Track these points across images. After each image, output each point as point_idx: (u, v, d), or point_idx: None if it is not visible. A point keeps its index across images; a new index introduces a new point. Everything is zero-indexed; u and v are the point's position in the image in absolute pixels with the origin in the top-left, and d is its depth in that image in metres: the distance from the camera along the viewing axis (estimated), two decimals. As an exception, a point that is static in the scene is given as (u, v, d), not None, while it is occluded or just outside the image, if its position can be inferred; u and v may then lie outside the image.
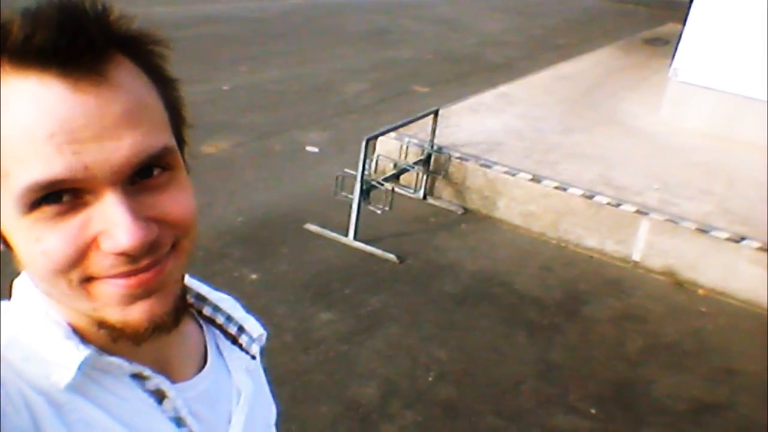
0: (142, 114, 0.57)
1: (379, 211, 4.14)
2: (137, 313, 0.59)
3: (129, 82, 0.57)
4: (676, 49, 6.08)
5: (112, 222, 0.54)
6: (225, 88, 6.79)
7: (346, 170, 4.16)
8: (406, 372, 3.20)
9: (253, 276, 3.70)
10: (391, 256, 4.00)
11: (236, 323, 0.81)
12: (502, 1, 13.95)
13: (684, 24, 6.01)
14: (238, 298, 0.87)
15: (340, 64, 8.17)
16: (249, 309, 0.87)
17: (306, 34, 9.54)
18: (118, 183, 0.55)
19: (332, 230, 4.16)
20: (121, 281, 0.57)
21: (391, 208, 4.14)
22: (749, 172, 5.04)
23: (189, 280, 0.78)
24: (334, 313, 3.50)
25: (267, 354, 0.89)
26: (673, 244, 4.24)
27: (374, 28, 10.40)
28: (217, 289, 0.83)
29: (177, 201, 0.60)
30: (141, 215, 0.55)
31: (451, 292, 3.84)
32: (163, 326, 0.61)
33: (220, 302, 0.81)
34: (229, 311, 0.81)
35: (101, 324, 0.60)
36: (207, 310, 0.80)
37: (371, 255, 4.04)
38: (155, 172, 0.58)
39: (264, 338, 0.85)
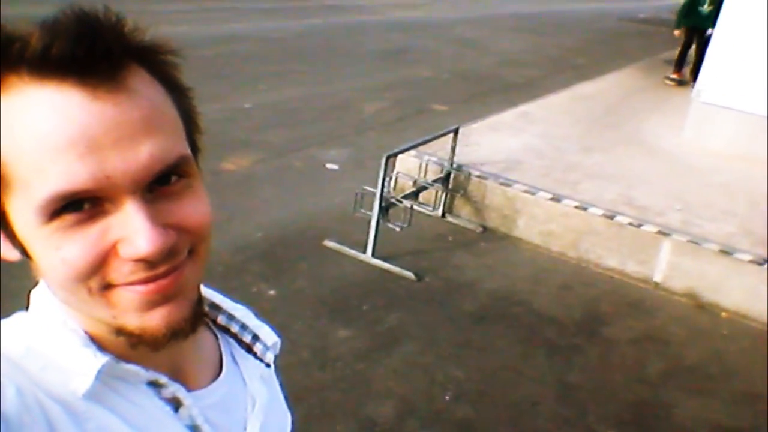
0: (159, 121, 0.57)
1: (397, 229, 4.13)
2: (156, 319, 0.60)
3: (145, 90, 0.57)
4: (698, 70, 6.05)
5: (132, 229, 0.55)
6: (246, 106, 6.86)
7: (365, 187, 4.17)
8: (422, 391, 3.18)
9: (271, 292, 3.70)
10: (409, 274, 3.99)
11: (251, 332, 0.82)
12: (520, 21, 14.00)
13: (705, 46, 5.98)
14: (255, 313, 0.87)
15: (359, 83, 8.23)
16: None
17: (325, 53, 9.64)
18: (137, 191, 0.55)
19: (351, 247, 4.16)
20: (140, 288, 0.58)
21: (409, 225, 4.14)
22: (772, 193, 4.98)
23: (203, 290, 0.78)
24: (351, 330, 3.49)
25: (283, 370, 0.89)
26: (696, 265, 4.18)
27: (393, 47, 10.47)
28: (233, 300, 0.84)
29: (193, 208, 0.60)
30: (159, 222, 0.56)
31: (469, 311, 3.81)
32: (180, 332, 0.61)
33: (234, 311, 0.82)
34: (244, 320, 0.82)
35: (120, 331, 0.61)
36: (221, 319, 0.81)
37: (389, 272, 4.03)
38: (172, 180, 0.59)
39: (278, 346, 0.85)
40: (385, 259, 4.08)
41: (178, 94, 0.63)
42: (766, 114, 5.54)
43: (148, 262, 0.56)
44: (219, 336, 0.80)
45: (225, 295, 0.83)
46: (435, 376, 3.27)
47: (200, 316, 0.66)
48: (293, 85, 7.81)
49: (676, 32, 9.01)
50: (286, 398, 0.90)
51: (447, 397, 3.15)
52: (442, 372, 3.31)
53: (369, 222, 4.08)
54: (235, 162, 5.37)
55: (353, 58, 9.55)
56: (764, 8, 5.53)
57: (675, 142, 5.96)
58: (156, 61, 0.60)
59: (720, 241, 4.19)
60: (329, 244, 4.21)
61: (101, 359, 0.61)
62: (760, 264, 3.99)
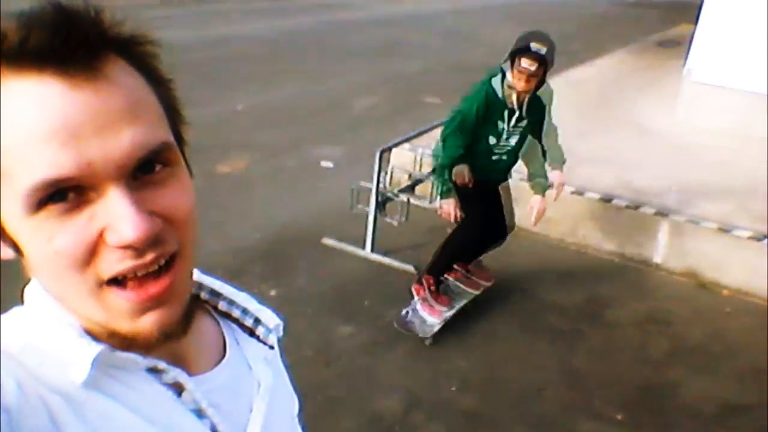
0: (140, 109, 0.58)
1: (395, 223, 4.13)
2: (147, 324, 0.60)
3: (124, 80, 0.58)
4: (689, 49, 6.05)
5: (116, 215, 0.55)
6: (238, 107, 6.85)
7: (361, 183, 4.17)
8: (428, 383, 3.18)
9: (272, 292, 3.70)
10: (409, 267, 3.98)
11: (252, 315, 0.82)
12: (510, 10, 13.98)
13: (696, 24, 5.97)
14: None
15: (351, 80, 8.22)
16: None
17: (315, 52, 9.62)
18: (120, 178, 0.56)
19: (349, 243, 4.16)
20: (131, 294, 0.58)
21: (407, 219, 4.14)
22: (766, 169, 4.97)
23: (201, 277, 0.79)
24: (354, 326, 3.49)
25: (288, 368, 0.89)
26: (695, 245, 4.19)
27: (382, 42, 10.46)
28: (234, 286, 0.84)
29: (178, 195, 0.61)
30: (144, 209, 0.56)
31: (471, 301, 3.81)
32: (172, 334, 0.62)
33: (235, 296, 0.82)
34: (244, 304, 0.82)
35: (113, 334, 0.61)
36: (222, 305, 0.81)
37: (389, 267, 4.03)
38: (156, 168, 0.59)
39: (281, 328, 0.84)
40: (384, 254, 4.09)
41: (159, 84, 0.63)
42: (758, 91, 5.54)
43: (134, 249, 0.56)
44: (221, 322, 0.80)
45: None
46: (440, 368, 3.28)
47: (192, 317, 0.66)
48: (284, 85, 7.80)
49: None
50: (291, 382, 0.91)
51: (453, 388, 3.16)
52: (447, 363, 3.32)
53: (366, 218, 4.08)
54: (230, 164, 5.37)
55: (343, 54, 9.54)
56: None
57: (669, 123, 5.96)
58: (135, 52, 0.61)
59: (718, 219, 4.19)
60: (328, 241, 4.21)
61: (96, 348, 0.61)
62: (759, 240, 4.00)
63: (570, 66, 8.14)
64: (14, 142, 0.54)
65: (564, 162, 3.57)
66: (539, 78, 3.15)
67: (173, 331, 0.62)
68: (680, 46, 8.62)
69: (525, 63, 3.08)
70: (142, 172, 0.58)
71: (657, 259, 4.29)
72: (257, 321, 0.82)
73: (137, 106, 0.58)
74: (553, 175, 3.52)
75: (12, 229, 0.57)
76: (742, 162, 5.17)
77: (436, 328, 3.42)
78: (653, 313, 3.87)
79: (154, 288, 0.59)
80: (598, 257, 4.40)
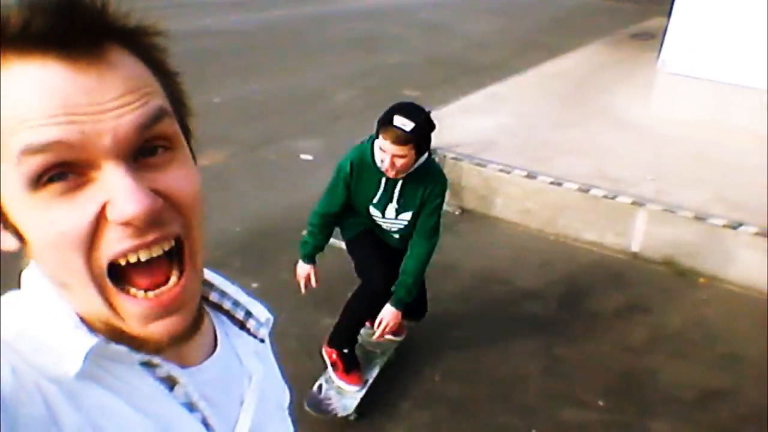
0: (143, 94, 0.58)
1: (376, 215, 4.12)
2: (158, 330, 0.61)
3: (128, 67, 0.58)
4: (662, 41, 6.12)
5: (116, 191, 0.55)
6: (216, 100, 6.79)
7: (341, 175, 4.15)
8: (413, 373, 3.19)
9: (254, 284, 3.69)
10: (391, 259, 3.98)
11: (243, 308, 0.82)
12: (487, 3, 14.02)
13: (669, 17, 6.04)
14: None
15: (329, 73, 8.19)
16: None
17: (293, 45, 9.57)
18: (119, 156, 0.56)
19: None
20: (144, 303, 0.59)
21: (388, 211, 4.13)
22: (742, 158, 5.06)
23: None
24: (336, 318, 3.48)
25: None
26: (672, 233, 4.25)
27: (360, 35, 10.43)
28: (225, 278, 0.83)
29: (180, 178, 0.61)
30: (144, 185, 0.56)
31: (453, 292, 3.83)
32: (181, 339, 0.63)
33: (226, 287, 0.82)
34: (236, 296, 0.82)
35: (121, 334, 0.62)
36: (214, 296, 0.81)
37: (371, 259, 4.02)
38: (158, 152, 0.59)
39: (271, 322, 0.85)
40: (366, 246, 4.08)
41: (165, 76, 0.63)
42: (731, 82, 5.63)
43: (135, 227, 0.56)
44: (211, 313, 0.80)
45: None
46: (424, 358, 3.30)
47: (200, 321, 0.67)
48: (263, 78, 7.75)
49: None
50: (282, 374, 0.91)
51: (437, 378, 3.18)
52: (431, 353, 3.33)
53: (348, 210, 4.07)
54: (208, 157, 5.32)
55: (321, 47, 9.50)
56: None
57: (644, 114, 6.03)
58: (140, 43, 0.61)
59: (694, 208, 4.25)
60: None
61: (91, 341, 0.61)
62: (735, 228, 4.07)
63: (545, 59, 8.21)
64: (11, 120, 0.54)
65: (406, 300, 2.76)
66: (409, 161, 2.54)
67: (183, 336, 0.63)
68: (654, 38, 8.73)
69: (386, 141, 2.47)
70: (142, 156, 0.58)
71: (635, 248, 4.35)
72: (248, 314, 0.82)
73: (140, 91, 0.58)
74: (385, 310, 2.75)
75: (15, 213, 0.57)
76: (716, 151, 5.25)
77: (359, 400, 2.91)
78: (632, 301, 3.93)
79: (166, 296, 0.60)
80: (577, 247, 4.45)
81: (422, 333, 3.44)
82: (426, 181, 2.68)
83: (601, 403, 3.10)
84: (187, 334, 0.63)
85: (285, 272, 3.85)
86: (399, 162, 2.51)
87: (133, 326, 0.61)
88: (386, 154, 2.50)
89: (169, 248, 0.60)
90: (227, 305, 0.81)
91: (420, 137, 2.50)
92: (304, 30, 10.49)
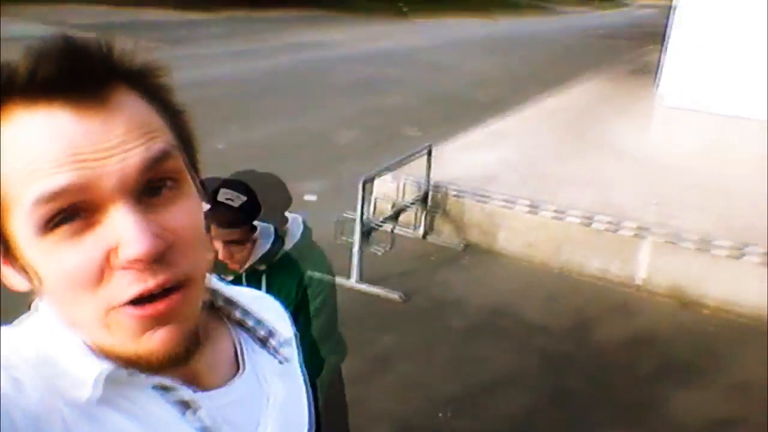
0: (148, 135, 0.58)
1: (380, 252, 4.16)
2: (152, 343, 0.60)
3: (133, 108, 0.59)
4: (658, 74, 6.21)
5: (122, 232, 0.56)
6: (219, 146, 6.87)
7: (344, 214, 4.20)
8: (419, 409, 3.17)
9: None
10: (396, 296, 4.00)
11: (265, 326, 0.80)
12: (487, 43, 14.25)
13: (663, 51, 6.15)
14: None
15: (331, 115, 8.31)
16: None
17: (295, 90, 9.72)
18: (125, 197, 0.57)
19: (335, 274, 4.16)
20: (136, 311, 0.58)
21: (392, 247, 4.17)
22: (743, 187, 5.09)
23: (217, 284, 0.78)
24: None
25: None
26: (676, 263, 4.25)
27: (361, 78, 10.60)
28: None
29: (183, 216, 0.61)
30: (150, 227, 0.57)
31: (459, 327, 3.83)
32: (179, 356, 0.62)
33: (252, 303, 0.80)
34: (259, 314, 0.80)
35: (119, 358, 0.62)
36: (236, 314, 0.79)
37: (376, 296, 4.04)
38: (163, 191, 0.60)
39: (294, 342, 0.84)
40: (370, 283, 4.10)
41: (172, 115, 0.64)
42: (728, 113, 5.69)
43: (142, 269, 0.57)
44: (234, 331, 0.79)
45: None
46: (431, 393, 3.28)
47: (197, 340, 0.65)
48: (265, 123, 7.86)
49: None
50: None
51: (446, 413, 3.15)
52: (438, 388, 3.31)
53: (351, 248, 4.10)
54: (213, 201, 5.37)
55: (323, 91, 9.65)
56: (718, 8, 5.71)
57: (644, 146, 6.08)
58: (146, 84, 0.62)
59: (697, 238, 4.26)
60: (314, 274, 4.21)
61: (100, 366, 0.61)
62: (738, 258, 4.07)
63: (546, 95, 8.32)
64: (21, 170, 0.55)
65: None
66: (246, 251, 1.94)
67: (176, 353, 0.61)
68: (651, 73, 8.85)
69: (212, 224, 1.85)
70: (148, 196, 0.58)
71: (639, 279, 4.35)
72: (270, 333, 0.80)
73: (146, 132, 0.58)
74: None
75: (25, 255, 0.58)
76: (717, 181, 5.28)
77: None
78: (639, 332, 3.91)
79: (161, 304, 0.59)
80: (582, 279, 4.45)
81: (428, 368, 3.43)
82: (297, 272, 2.05)
83: (611, 435, 3.07)
84: (180, 353, 0.62)
85: (291, 311, 3.87)
86: (229, 249, 1.90)
87: (127, 344, 0.60)
88: (218, 242, 1.88)
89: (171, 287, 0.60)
90: (250, 323, 0.79)
91: (254, 215, 1.91)
92: (307, 75, 10.67)
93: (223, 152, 6.73)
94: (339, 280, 4.12)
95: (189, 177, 0.64)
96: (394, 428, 3.03)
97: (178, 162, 0.62)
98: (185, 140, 0.65)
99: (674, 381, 3.48)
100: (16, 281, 0.61)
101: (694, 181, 5.27)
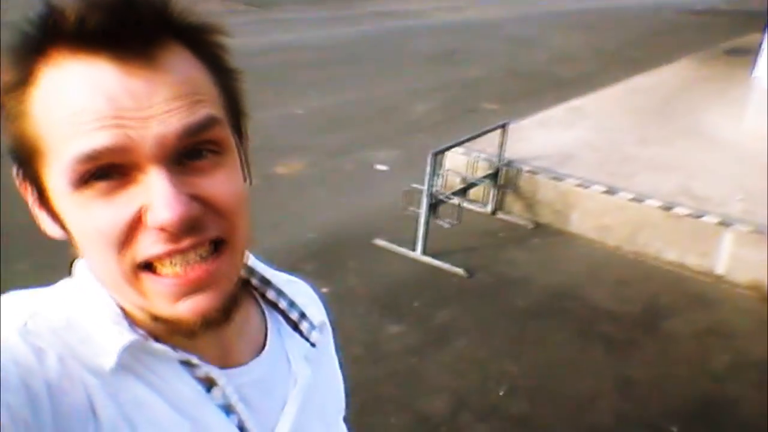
0: (193, 98, 0.57)
1: (447, 226, 4.12)
2: (185, 309, 0.59)
3: (181, 67, 0.58)
4: (756, 57, 5.84)
5: (155, 195, 0.55)
6: (298, 112, 6.96)
7: (413, 185, 4.17)
8: (476, 385, 3.15)
9: (324, 289, 3.73)
10: (460, 271, 3.96)
11: (298, 309, 0.80)
12: (574, 18, 13.79)
13: (764, 32, 5.76)
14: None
15: (409, 85, 8.24)
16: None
17: (375, 58, 9.69)
18: (163, 160, 0.56)
19: (400, 245, 4.17)
20: (169, 281, 0.58)
21: (459, 222, 4.11)
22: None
23: (255, 263, 0.78)
24: (403, 326, 3.49)
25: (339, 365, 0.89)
26: (760, 256, 4.02)
27: (442, 49, 10.45)
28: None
29: (223, 184, 0.59)
30: (183, 191, 0.56)
31: (522, 306, 3.76)
32: (213, 321, 0.61)
33: (286, 286, 0.80)
34: (293, 296, 0.80)
35: (155, 318, 0.62)
36: (271, 294, 0.79)
37: (439, 269, 4.01)
38: (204, 155, 0.58)
39: (326, 327, 0.83)
40: (435, 256, 4.07)
41: (222, 74, 0.62)
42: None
43: (170, 233, 0.56)
44: (267, 311, 0.79)
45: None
46: (488, 371, 3.24)
47: (236, 305, 0.65)
48: (344, 90, 7.88)
49: None
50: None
51: (501, 392, 3.11)
52: (496, 367, 3.27)
53: (418, 220, 4.08)
54: (287, 165, 5.45)
55: (403, 61, 9.57)
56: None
57: (735, 131, 5.75)
58: (199, 41, 0.60)
59: (786, 230, 4.01)
60: (379, 242, 4.23)
61: (128, 337, 0.61)
62: (831, 253, 3.81)
63: (633, 74, 7.98)
64: (62, 121, 0.55)
65: None
66: None
67: (214, 318, 0.61)
68: (748, 54, 8.33)
69: None
70: (188, 158, 0.57)
71: (719, 270, 4.14)
72: (303, 315, 0.80)
73: (191, 94, 0.57)
74: None
75: (59, 206, 0.58)
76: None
77: None
78: (714, 325, 3.73)
79: (194, 272, 0.58)
80: (657, 266, 4.28)
81: (487, 346, 3.39)
82: None
83: (675, 429, 2.95)
84: (218, 317, 0.61)
85: (354, 279, 3.90)
86: None
87: (162, 308, 0.60)
88: None
89: (206, 254, 0.59)
90: (283, 304, 0.79)
91: None
92: (387, 44, 10.61)
93: (300, 117, 6.81)
94: (404, 250, 4.15)
95: (233, 146, 0.62)
96: (450, 403, 3.01)
97: (223, 132, 0.60)
98: (233, 101, 0.63)
99: (749, 379, 3.31)
100: (50, 227, 0.62)
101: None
